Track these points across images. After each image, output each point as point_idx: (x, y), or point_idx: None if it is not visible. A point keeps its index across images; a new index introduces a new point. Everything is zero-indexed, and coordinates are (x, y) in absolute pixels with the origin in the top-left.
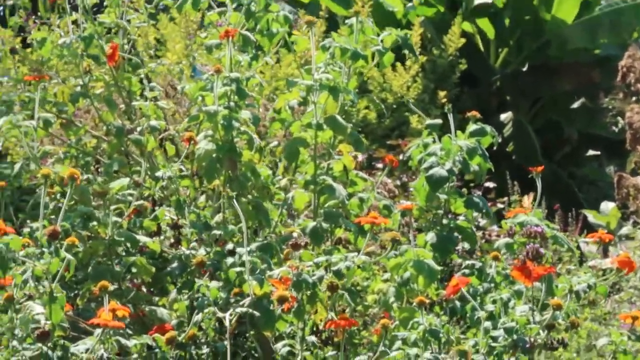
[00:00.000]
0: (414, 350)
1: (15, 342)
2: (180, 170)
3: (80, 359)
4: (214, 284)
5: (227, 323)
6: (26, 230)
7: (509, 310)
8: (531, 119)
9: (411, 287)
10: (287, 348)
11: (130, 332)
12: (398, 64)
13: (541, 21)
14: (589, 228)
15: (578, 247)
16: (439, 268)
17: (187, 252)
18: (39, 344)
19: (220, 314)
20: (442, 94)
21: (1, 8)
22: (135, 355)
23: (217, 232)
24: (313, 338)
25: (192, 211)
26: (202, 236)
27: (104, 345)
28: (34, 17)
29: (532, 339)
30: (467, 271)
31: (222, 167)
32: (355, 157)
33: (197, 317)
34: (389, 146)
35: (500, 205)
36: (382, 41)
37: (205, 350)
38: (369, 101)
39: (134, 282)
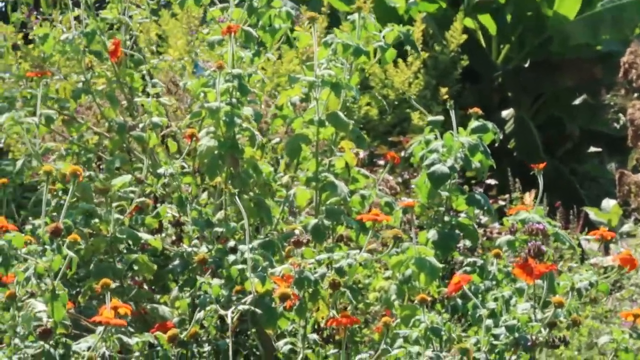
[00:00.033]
0: (415, 348)
1: (17, 340)
2: (182, 167)
3: (82, 356)
4: (216, 281)
5: (229, 321)
6: (28, 227)
7: (510, 308)
8: (533, 116)
9: (413, 284)
10: (289, 346)
11: (132, 329)
12: (400, 60)
13: (543, 17)
14: (590, 225)
15: (579, 245)
16: (441, 265)
17: (189, 249)
18: (41, 342)
19: (222, 312)
20: (443, 90)
21: (3, 4)
22: (137, 353)
23: (219, 229)
24: (315, 336)
25: (194, 208)
26: (204, 233)
27: (105, 343)
28: (35, 13)
29: (533, 337)
30: (468, 269)
31: (224, 164)
32: (356, 154)
33: (199, 315)
34: (391, 143)
35: (501, 203)
36: (384, 37)
37: (206, 348)
38: (371, 97)
39: (136, 279)
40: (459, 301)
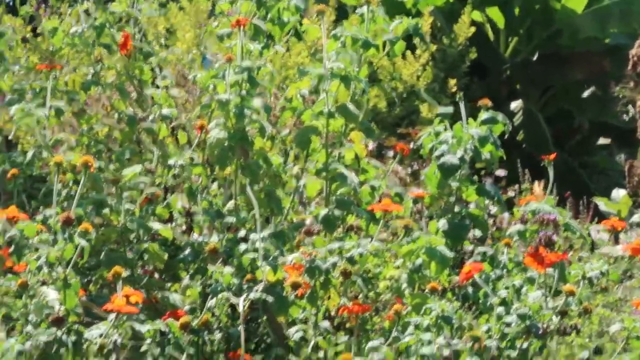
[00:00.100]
0: (426, 336)
1: (29, 328)
2: (192, 159)
3: (94, 344)
4: (228, 270)
5: (240, 309)
6: (39, 217)
7: (521, 296)
8: (541, 108)
9: (423, 273)
10: (300, 333)
11: (143, 318)
12: (408, 52)
13: (551, 10)
14: (599, 216)
15: (589, 235)
16: (451, 255)
17: (200, 239)
18: (53, 329)
19: (234, 300)
20: (452, 82)
21: None
22: (148, 341)
23: (229, 219)
24: (326, 323)
25: (204, 199)
26: (214, 223)
27: (117, 330)
28: (44, 6)
29: (545, 325)
30: (479, 258)
31: (233, 155)
32: (365, 146)
33: (211, 303)
34: (399, 135)
35: (511, 194)
36: (393, 30)
37: (217, 335)
38: (380, 90)
39: (146, 269)
40: (470, 290)
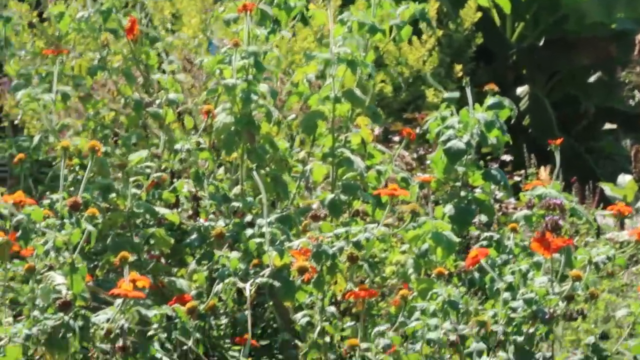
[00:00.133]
0: (433, 321)
1: (36, 312)
2: (199, 143)
3: (101, 328)
4: (234, 254)
5: (247, 293)
6: (46, 202)
7: (528, 281)
8: (547, 93)
9: (429, 258)
10: (307, 318)
11: (149, 303)
12: (414, 38)
13: None
14: (605, 201)
15: (595, 220)
16: (458, 240)
17: (206, 224)
18: (61, 314)
19: (240, 284)
20: (458, 67)
21: None
22: (155, 326)
23: (235, 204)
24: (332, 309)
25: (210, 183)
26: (220, 208)
27: (124, 315)
28: None
29: (551, 310)
30: (485, 243)
31: (240, 139)
32: (371, 131)
33: (218, 288)
34: (405, 120)
35: (517, 178)
36: (399, 15)
37: (224, 320)
38: (386, 74)
39: (152, 253)
40: (476, 275)
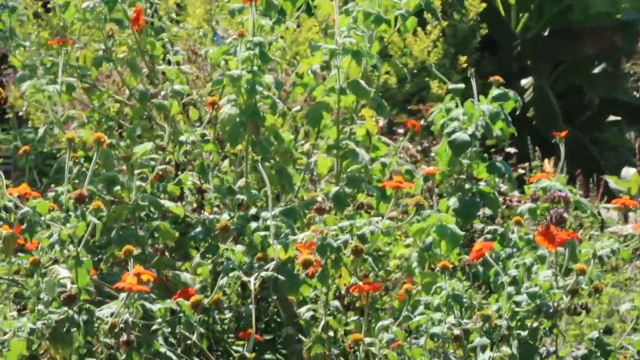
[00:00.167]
0: (437, 315)
1: (41, 306)
2: (204, 135)
3: (106, 322)
4: (239, 247)
5: (251, 287)
6: (50, 194)
7: (532, 275)
8: (552, 84)
9: (433, 252)
10: (311, 312)
11: (154, 296)
12: (419, 28)
13: None
14: (609, 194)
15: (599, 213)
16: (462, 233)
17: (211, 217)
18: (65, 308)
19: (245, 278)
20: (462, 58)
21: None
22: (159, 320)
23: (240, 196)
24: (336, 303)
25: (215, 176)
26: (225, 201)
27: (128, 309)
28: None
29: (555, 304)
30: (489, 236)
31: (245, 131)
32: (376, 122)
33: (222, 281)
34: (410, 111)
35: (521, 171)
36: (404, 5)
37: (228, 314)
38: (391, 65)
39: (157, 247)
40: (480, 268)
